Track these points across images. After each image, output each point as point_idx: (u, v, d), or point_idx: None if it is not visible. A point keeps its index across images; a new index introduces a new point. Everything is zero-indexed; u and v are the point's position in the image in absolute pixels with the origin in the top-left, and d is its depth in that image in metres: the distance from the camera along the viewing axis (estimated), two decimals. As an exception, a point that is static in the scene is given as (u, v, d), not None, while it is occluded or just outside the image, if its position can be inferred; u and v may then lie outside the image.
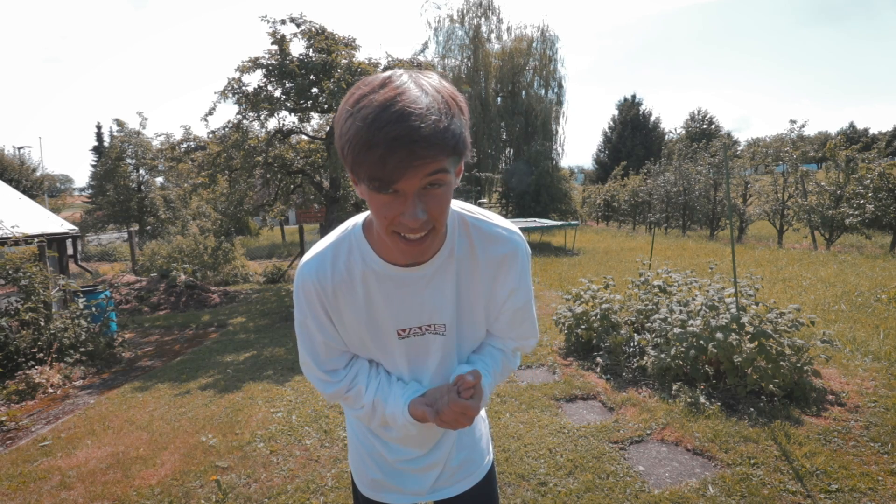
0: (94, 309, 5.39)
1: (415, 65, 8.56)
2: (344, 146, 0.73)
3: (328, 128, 8.98)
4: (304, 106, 7.87)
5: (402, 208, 0.75)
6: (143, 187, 16.95)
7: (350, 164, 0.74)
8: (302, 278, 0.94)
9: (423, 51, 22.82)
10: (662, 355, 3.74)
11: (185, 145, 8.80)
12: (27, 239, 5.45)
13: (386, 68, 8.39)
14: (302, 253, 10.67)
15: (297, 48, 12.37)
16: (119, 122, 16.36)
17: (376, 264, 0.92)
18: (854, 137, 20.77)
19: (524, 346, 1.10)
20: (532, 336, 1.09)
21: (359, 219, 0.97)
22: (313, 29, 7.92)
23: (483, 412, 1.25)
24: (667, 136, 38.96)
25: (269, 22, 7.69)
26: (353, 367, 1.03)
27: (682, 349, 3.62)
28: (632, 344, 4.29)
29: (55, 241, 6.46)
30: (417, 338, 0.98)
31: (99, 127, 36.34)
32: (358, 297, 0.94)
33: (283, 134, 8.65)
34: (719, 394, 3.49)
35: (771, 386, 3.29)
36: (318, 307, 0.94)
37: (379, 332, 0.97)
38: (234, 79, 7.75)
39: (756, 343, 3.34)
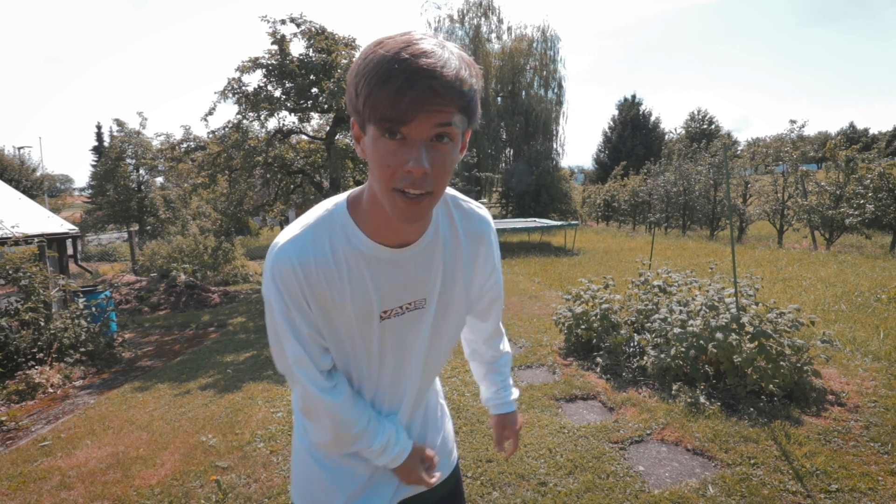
0: (94, 309, 5.39)
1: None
2: (359, 82, 0.71)
3: (328, 128, 8.98)
4: (304, 106, 7.88)
5: (408, 156, 0.71)
6: (143, 187, 16.96)
7: (362, 101, 0.71)
8: (279, 265, 0.85)
9: (423, 51, 22.81)
10: (662, 355, 3.74)
11: (185, 145, 8.81)
12: (27, 239, 5.45)
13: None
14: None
15: (297, 48, 12.38)
16: (119, 122, 16.38)
17: (364, 245, 0.87)
18: (854, 137, 20.78)
19: (503, 343, 1.24)
20: (500, 333, 1.23)
21: (340, 198, 0.91)
22: (313, 29, 7.93)
23: (447, 410, 1.24)
24: (667, 136, 38.96)
25: (269, 22, 7.70)
26: (343, 380, 0.96)
27: (682, 349, 3.62)
28: (632, 344, 4.29)
29: (55, 241, 6.47)
30: (398, 318, 0.94)
31: (99, 127, 36.35)
32: (343, 282, 0.87)
33: (283, 134, 8.65)
34: (719, 394, 3.50)
35: (771, 386, 3.29)
36: (300, 296, 0.86)
37: (362, 316, 0.91)
38: (234, 79, 7.76)
39: (756, 343, 3.34)
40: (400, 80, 0.67)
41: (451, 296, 0.99)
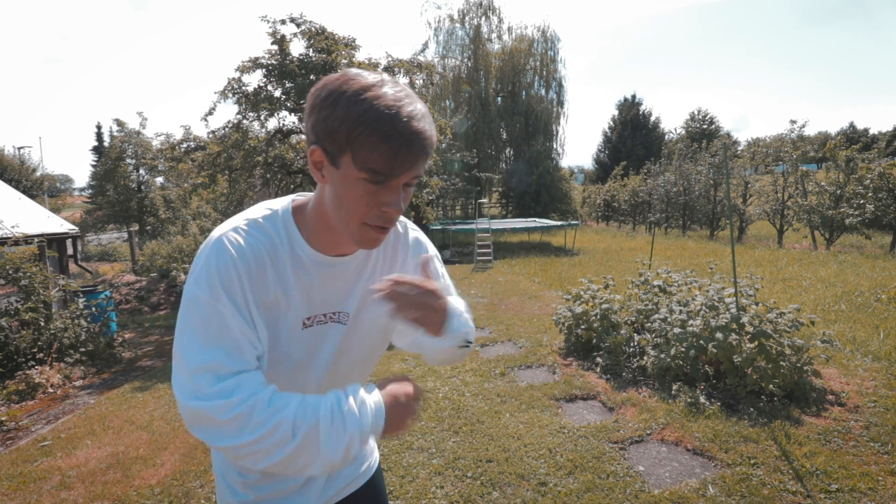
0: (94, 309, 5.39)
1: (415, 65, 8.56)
2: (353, 127, 0.71)
3: (328, 128, 8.96)
4: (304, 106, 7.88)
5: (387, 199, 0.76)
6: (143, 187, 16.97)
7: (351, 146, 0.72)
8: (220, 255, 0.78)
9: (423, 51, 22.85)
10: (662, 355, 3.74)
11: (185, 145, 8.80)
12: (27, 239, 5.45)
13: (386, 68, 8.40)
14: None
15: (297, 48, 12.36)
16: (119, 122, 16.39)
17: (303, 251, 0.87)
18: (854, 137, 20.79)
19: None
20: None
21: (283, 202, 0.89)
22: (313, 29, 7.93)
23: None
24: (667, 136, 38.93)
25: (269, 22, 7.70)
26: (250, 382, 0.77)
27: (682, 349, 3.62)
28: (632, 344, 4.29)
29: (55, 241, 6.47)
30: (320, 326, 0.92)
31: (99, 127, 36.25)
32: (280, 281, 0.85)
33: (283, 134, 8.66)
34: (719, 394, 3.50)
35: (771, 386, 3.29)
36: (238, 290, 0.78)
37: (286, 321, 0.88)
38: (234, 79, 7.76)
39: (756, 343, 3.34)
40: (399, 142, 0.71)
41: (365, 310, 0.97)
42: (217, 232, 0.82)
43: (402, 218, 1.02)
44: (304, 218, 0.87)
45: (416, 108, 0.73)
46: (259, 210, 0.87)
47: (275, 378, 0.87)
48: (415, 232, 1.04)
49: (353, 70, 0.76)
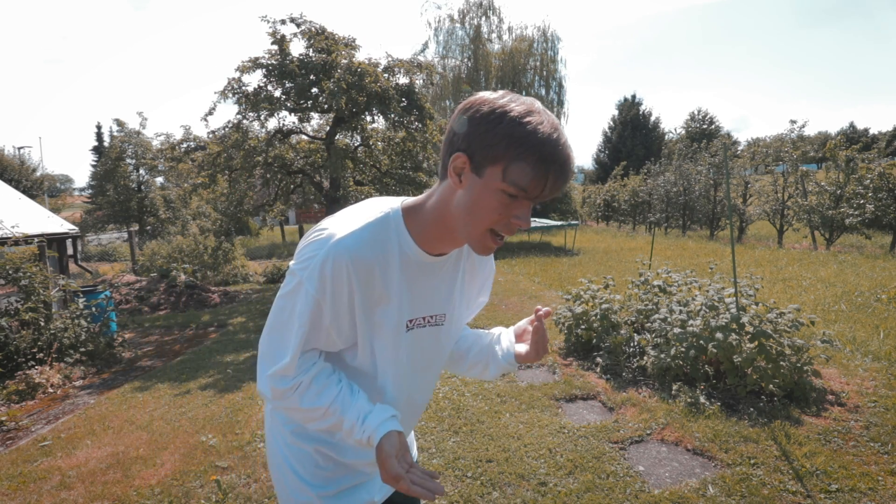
0: (94, 309, 5.39)
1: (415, 65, 8.56)
2: (513, 147, 0.77)
3: (328, 128, 8.98)
4: (304, 106, 7.88)
5: (518, 212, 0.83)
6: (143, 187, 16.97)
7: (507, 161, 0.78)
8: (336, 257, 0.86)
9: (423, 51, 22.87)
10: (662, 355, 3.74)
11: (185, 145, 8.81)
12: (27, 239, 5.45)
13: (386, 68, 8.40)
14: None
15: (297, 48, 12.37)
16: (119, 122, 16.39)
17: (411, 251, 0.93)
18: (854, 137, 20.78)
19: None
20: None
21: (395, 203, 0.95)
22: (313, 29, 7.94)
23: None
24: (667, 136, 38.90)
25: (269, 22, 7.71)
26: (319, 362, 0.96)
27: (682, 349, 3.62)
28: (632, 344, 4.29)
29: (55, 241, 6.47)
30: (420, 329, 1.01)
31: (99, 127, 36.27)
32: (389, 281, 0.92)
33: (283, 134, 8.67)
34: (719, 394, 3.50)
35: (771, 386, 3.29)
36: (343, 292, 0.88)
37: (391, 321, 0.95)
38: (234, 79, 7.77)
39: (756, 343, 3.34)
40: (556, 167, 0.78)
41: (458, 312, 1.09)
42: (334, 232, 0.89)
43: None
44: (417, 218, 0.93)
45: (565, 136, 0.80)
46: (372, 211, 0.93)
47: (376, 384, 1.01)
48: (491, 263, 1.16)
49: (508, 93, 0.82)
